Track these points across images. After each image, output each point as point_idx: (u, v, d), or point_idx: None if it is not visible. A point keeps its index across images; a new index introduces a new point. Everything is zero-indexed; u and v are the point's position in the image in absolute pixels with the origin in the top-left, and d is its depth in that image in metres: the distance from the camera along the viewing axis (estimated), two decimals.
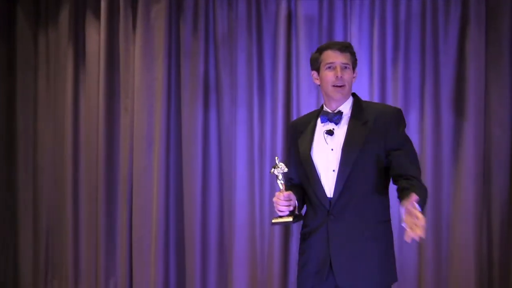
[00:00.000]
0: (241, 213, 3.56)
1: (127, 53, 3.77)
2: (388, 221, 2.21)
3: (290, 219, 2.13)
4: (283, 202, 2.12)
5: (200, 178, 3.61)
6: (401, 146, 2.14)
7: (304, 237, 2.25)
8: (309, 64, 3.32)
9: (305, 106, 3.44)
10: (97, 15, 3.84)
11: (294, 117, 3.47)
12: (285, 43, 3.46)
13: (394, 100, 3.34)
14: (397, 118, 2.18)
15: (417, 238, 1.73)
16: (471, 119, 3.24)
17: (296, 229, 3.51)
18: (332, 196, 2.13)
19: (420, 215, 1.75)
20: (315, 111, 2.39)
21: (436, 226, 3.31)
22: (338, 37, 3.40)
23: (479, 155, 3.25)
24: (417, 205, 1.79)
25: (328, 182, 2.15)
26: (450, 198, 3.32)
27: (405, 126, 2.20)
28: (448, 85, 3.29)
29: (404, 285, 3.32)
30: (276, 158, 2.12)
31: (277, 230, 3.46)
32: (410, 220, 1.77)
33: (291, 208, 2.13)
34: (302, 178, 2.24)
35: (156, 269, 3.67)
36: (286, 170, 2.11)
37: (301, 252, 2.26)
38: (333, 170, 2.14)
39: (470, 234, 3.25)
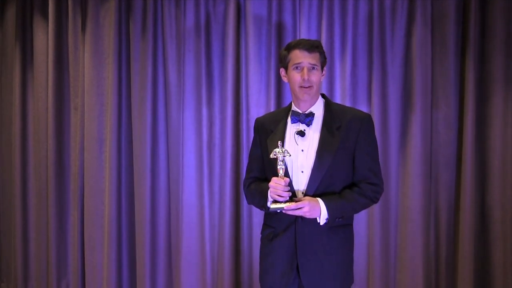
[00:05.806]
0: (189, 213, 3.53)
1: (76, 52, 3.72)
2: (351, 224, 2.24)
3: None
4: (285, 187, 2.07)
5: (149, 178, 3.57)
6: (368, 153, 2.17)
7: (268, 239, 2.23)
8: (258, 64, 3.40)
9: (254, 105, 3.43)
10: (45, 14, 3.79)
11: (244, 116, 3.46)
12: (234, 42, 3.44)
13: (342, 99, 3.34)
14: (369, 124, 2.19)
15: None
16: (418, 118, 3.26)
17: (246, 228, 3.51)
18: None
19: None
20: (283, 109, 2.36)
21: (384, 225, 3.32)
22: (287, 37, 3.39)
23: (426, 154, 3.27)
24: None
25: (297, 183, 2.15)
26: (397, 197, 3.34)
27: (374, 131, 2.22)
28: (395, 84, 3.30)
29: (353, 285, 3.33)
30: (279, 142, 2.08)
31: (228, 230, 3.44)
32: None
33: (290, 194, 2.10)
34: (270, 177, 2.17)
35: (108, 270, 3.63)
36: (289, 155, 2.08)
37: (265, 254, 2.24)
38: (302, 172, 2.14)
39: (418, 233, 3.27)
